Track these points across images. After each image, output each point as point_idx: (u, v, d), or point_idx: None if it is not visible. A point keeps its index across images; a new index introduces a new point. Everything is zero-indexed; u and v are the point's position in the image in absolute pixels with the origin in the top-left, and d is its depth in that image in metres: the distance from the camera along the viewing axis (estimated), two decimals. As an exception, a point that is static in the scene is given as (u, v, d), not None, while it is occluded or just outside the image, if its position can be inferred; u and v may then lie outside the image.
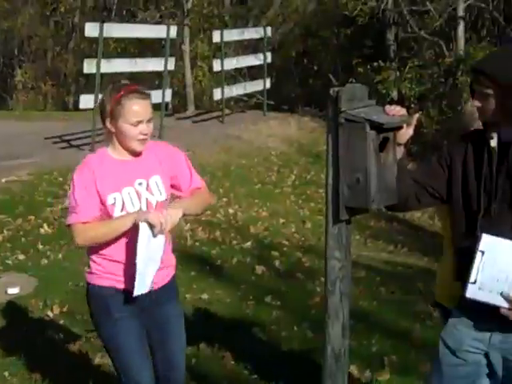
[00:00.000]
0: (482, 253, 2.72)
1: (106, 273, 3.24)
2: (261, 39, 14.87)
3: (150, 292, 3.22)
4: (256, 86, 15.00)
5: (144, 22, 17.15)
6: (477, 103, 2.74)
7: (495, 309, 2.70)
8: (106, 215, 3.17)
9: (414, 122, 2.93)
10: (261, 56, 14.57)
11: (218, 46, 13.80)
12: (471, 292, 2.74)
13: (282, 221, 9.04)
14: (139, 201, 3.20)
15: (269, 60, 14.67)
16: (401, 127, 2.88)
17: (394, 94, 16.45)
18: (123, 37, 14.92)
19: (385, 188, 2.87)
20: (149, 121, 3.18)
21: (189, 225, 8.31)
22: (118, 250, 3.21)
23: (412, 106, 16.53)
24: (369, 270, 7.43)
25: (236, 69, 15.80)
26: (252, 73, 17.16)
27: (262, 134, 13.43)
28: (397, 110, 2.84)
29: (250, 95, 16.00)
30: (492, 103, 2.70)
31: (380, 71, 16.29)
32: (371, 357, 4.95)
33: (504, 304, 2.69)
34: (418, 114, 3.07)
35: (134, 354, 3.23)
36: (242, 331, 5.39)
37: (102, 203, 3.15)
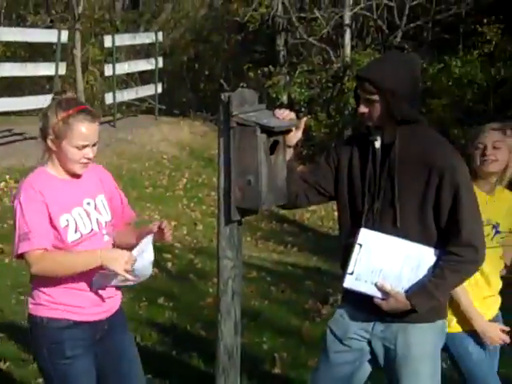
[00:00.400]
0: (360, 246, 2.91)
1: (56, 303, 2.90)
2: (152, 44, 14.84)
3: (104, 320, 2.99)
4: (148, 90, 14.95)
5: (34, 26, 16.77)
6: (363, 109, 2.89)
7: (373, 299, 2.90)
8: (59, 240, 2.86)
9: (303, 125, 3.07)
10: (152, 61, 14.53)
11: (110, 51, 13.67)
12: (349, 282, 2.94)
13: (173, 223, 9.08)
14: (90, 221, 2.94)
15: (160, 65, 14.65)
16: (290, 130, 3.01)
17: (284, 99, 16.78)
18: (13, 41, 14.50)
19: (275, 189, 2.97)
20: (94, 144, 2.91)
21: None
22: (71, 276, 2.87)
23: (302, 109, 16.94)
24: (260, 270, 7.59)
25: (128, 73, 15.69)
26: (144, 77, 17.06)
27: (153, 138, 13.40)
28: (286, 114, 2.96)
29: (141, 100, 15.92)
30: (377, 108, 2.85)
31: (270, 76, 16.60)
32: (263, 354, 5.08)
33: (378, 294, 2.88)
34: (307, 117, 3.22)
35: None
36: (135, 332, 5.41)
37: (54, 227, 2.85)
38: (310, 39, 16.84)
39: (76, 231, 2.88)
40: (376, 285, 2.89)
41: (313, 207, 11.98)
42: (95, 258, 2.80)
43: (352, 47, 16.45)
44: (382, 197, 2.91)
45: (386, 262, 2.89)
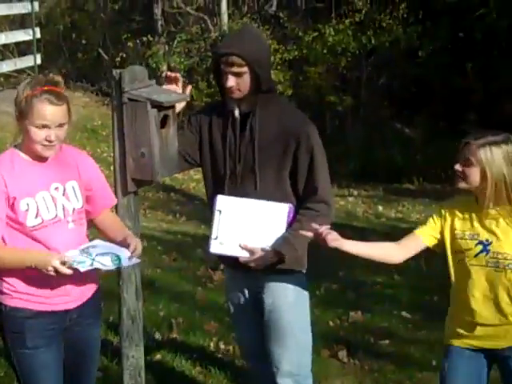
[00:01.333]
0: (220, 212, 3.13)
1: (17, 292, 2.84)
2: (28, 14, 14.41)
3: (71, 310, 2.92)
4: (26, 61, 14.53)
5: None
6: (231, 82, 3.06)
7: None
8: (17, 223, 2.80)
9: (189, 96, 3.26)
10: (30, 31, 14.13)
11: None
12: (214, 247, 3.16)
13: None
14: (55, 207, 2.86)
15: (38, 35, 14.28)
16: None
17: (164, 68, 16.73)
18: None
19: (168, 160, 3.15)
20: (59, 126, 2.81)
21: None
22: None
23: (183, 79, 16.97)
24: (150, 239, 7.69)
25: (4, 45, 15.19)
26: (20, 48, 16.55)
27: (33, 110, 13.09)
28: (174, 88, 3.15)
29: (19, 71, 15.47)
30: (246, 80, 3.07)
31: (149, 46, 16.49)
32: (160, 320, 5.25)
33: (244, 254, 3.13)
34: (190, 88, 3.36)
35: None
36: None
37: (13, 210, 2.78)
38: (188, 8, 16.84)
39: (37, 216, 2.81)
40: (240, 245, 3.11)
41: (198, 176, 12.16)
42: (28, 260, 2.75)
43: (229, 16, 16.59)
44: (242, 162, 3.14)
45: (246, 222, 3.11)
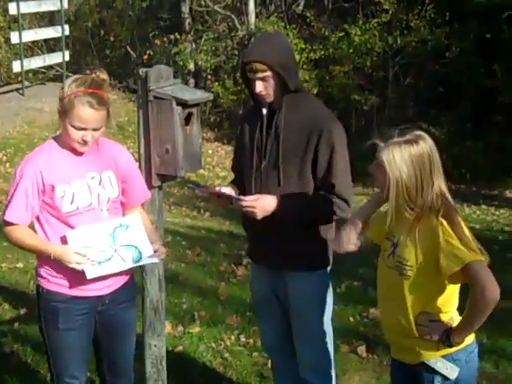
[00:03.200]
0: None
1: (53, 276, 2.98)
2: (57, 11, 14.61)
3: (103, 296, 3.03)
4: (55, 58, 14.73)
5: None
6: (259, 87, 3.16)
7: None
8: (54, 209, 2.91)
9: (212, 95, 3.41)
10: (58, 28, 14.32)
11: (14, 18, 13.36)
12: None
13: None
14: (90, 195, 2.96)
15: (67, 32, 14.47)
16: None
17: (191, 66, 16.89)
18: None
19: (191, 156, 3.25)
20: (95, 129, 2.89)
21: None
22: None
23: (208, 77, 17.09)
24: (175, 234, 7.82)
25: (33, 41, 15.42)
26: (49, 44, 16.79)
27: (62, 106, 13.26)
28: None
29: (47, 67, 15.69)
30: (272, 83, 3.16)
31: (177, 43, 16.64)
32: (182, 313, 5.34)
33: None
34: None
35: (72, 370, 3.07)
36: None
37: (51, 197, 2.90)
38: (215, 7, 16.97)
39: (72, 202, 2.91)
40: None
41: (223, 173, 12.28)
42: (49, 251, 2.88)
43: (256, 15, 16.68)
44: (268, 158, 3.24)
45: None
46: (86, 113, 2.83)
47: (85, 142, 2.89)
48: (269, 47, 3.15)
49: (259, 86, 3.17)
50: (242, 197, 3.17)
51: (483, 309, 2.57)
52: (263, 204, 3.12)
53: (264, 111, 3.24)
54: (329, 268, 3.37)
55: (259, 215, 3.12)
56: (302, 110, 3.20)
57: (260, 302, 3.51)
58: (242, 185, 3.37)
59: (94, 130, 2.88)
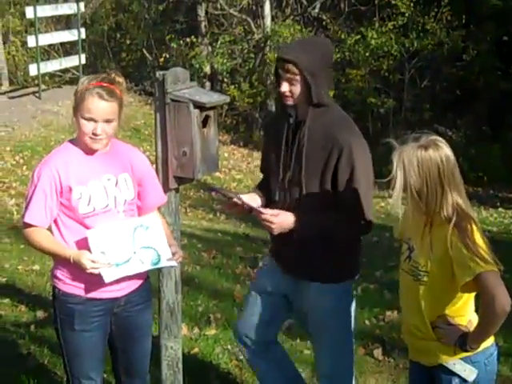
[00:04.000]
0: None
1: (69, 278, 3.00)
2: (74, 14, 14.72)
3: (119, 298, 3.05)
4: (72, 61, 14.83)
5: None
6: (284, 88, 3.12)
7: None
8: (71, 210, 2.94)
9: (228, 98, 3.40)
10: (75, 31, 14.41)
11: (31, 21, 13.48)
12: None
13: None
14: (106, 197, 2.98)
15: (83, 36, 14.57)
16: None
17: (207, 69, 16.93)
18: None
19: (208, 159, 3.26)
20: (107, 121, 2.91)
21: (14, 199, 8.28)
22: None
23: (224, 80, 17.12)
24: (191, 237, 7.84)
25: (50, 44, 15.54)
26: (65, 48, 16.90)
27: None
28: None
29: (64, 70, 15.79)
30: (298, 89, 3.11)
31: (193, 47, 16.69)
32: (198, 315, 5.35)
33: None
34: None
35: (88, 371, 3.10)
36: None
37: (67, 198, 2.93)
38: (231, 10, 17.00)
39: (89, 204, 2.94)
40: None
41: (239, 176, 12.29)
42: (66, 256, 2.90)
43: (272, 18, 16.68)
44: (292, 171, 3.20)
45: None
46: (96, 103, 2.88)
47: (95, 136, 2.91)
48: (307, 52, 3.08)
49: (285, 86, 3.11)
50: (262, 209, 3.14)
51: (493, 318, 2.58)
52: (282, 220, 3.09)
53: (291, 120, 3.17)
54: (351, 279, 3.34)
55: (276, 231, 3.11)
56: (325, 124, 3.13)
57: (262, 297, 3.43)
58: (269, 188, 3.33)
59: (105, 122, 2.90)
